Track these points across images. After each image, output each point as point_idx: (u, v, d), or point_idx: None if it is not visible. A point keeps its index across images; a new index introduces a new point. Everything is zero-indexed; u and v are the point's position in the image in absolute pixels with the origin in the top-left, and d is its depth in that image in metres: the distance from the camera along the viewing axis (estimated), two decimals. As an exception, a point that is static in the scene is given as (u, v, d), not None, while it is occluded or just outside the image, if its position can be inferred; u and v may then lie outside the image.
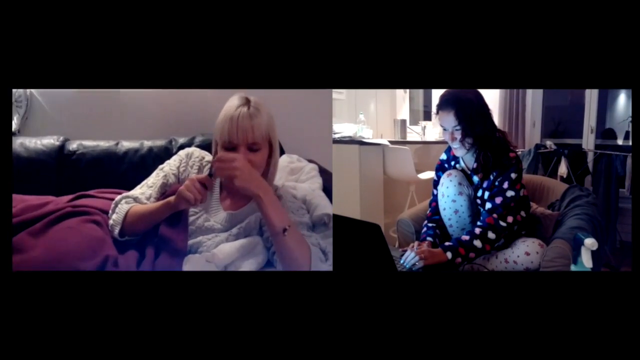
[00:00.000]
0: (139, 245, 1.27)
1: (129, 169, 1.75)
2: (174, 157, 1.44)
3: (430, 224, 1.66)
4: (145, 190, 1.36)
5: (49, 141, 1.82)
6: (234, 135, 1.23)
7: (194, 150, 1.45)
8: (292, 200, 1.35)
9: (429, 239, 1.61)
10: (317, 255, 1.20)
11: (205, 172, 1.37)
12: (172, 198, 1.22)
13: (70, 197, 1.47)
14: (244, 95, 1.28)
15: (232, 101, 1.27)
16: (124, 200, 1.32)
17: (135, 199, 1.33)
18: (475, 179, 1.56)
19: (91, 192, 1.50)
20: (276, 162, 1.35)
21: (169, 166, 1.41)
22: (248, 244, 1.26)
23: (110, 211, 1.32)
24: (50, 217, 1.27)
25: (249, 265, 1.23)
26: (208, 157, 1.42)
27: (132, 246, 1.27)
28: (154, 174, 1.41)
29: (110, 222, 1.29)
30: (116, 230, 1.27)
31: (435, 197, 1.69)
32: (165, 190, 1.37)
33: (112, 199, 1.35)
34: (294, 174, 1.64)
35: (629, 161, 2.87)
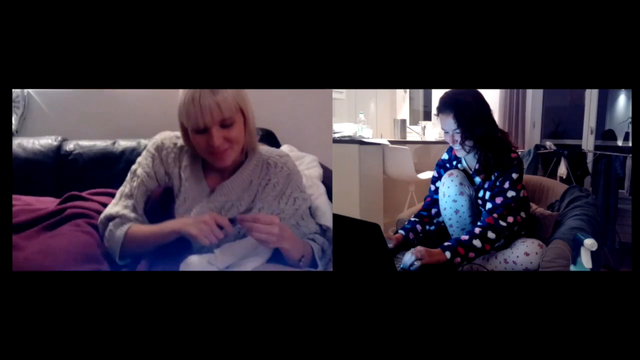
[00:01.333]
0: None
1: (126, 168, 1.72)
2: (144, 155, 1.31)
3: (413, 218, 1.67)
4: (128, 203, 1.26)
5: (47, 141, 1.81)
6: (199, 119, 1.15)
7: (162, 139, 1.32)
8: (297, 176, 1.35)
9: (400, 231, 1.62)
10: (317, 254, 1.24)
11: (185, 156, 1.28)
12: (181, 227, 1.15)
13: (60, 200, 1.46)
14: None
15: None
16: (111, 224, 1.23)
17: (122, 217, 1.24)
18: (477, 179, 1.56)
19: (83, 194, 1.48)
20: (252, 129, 1.27)
21: (142, 168, 1.29)
22: (251, 243, 1.24)
23: (100, 231, 1.27)
24: (44, 224, 1.29)
25: (251, 265, 1.23)
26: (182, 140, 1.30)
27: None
28: (128, 179, 1.31)
29: (107, 246, 1.24)
30: (116, 257, 1.23)
31: (431, 192, 1.69)
32: (148, 197, 1.27)
33: (101, 202, 1.34)
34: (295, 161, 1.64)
35: (628, 162, 2.88)
